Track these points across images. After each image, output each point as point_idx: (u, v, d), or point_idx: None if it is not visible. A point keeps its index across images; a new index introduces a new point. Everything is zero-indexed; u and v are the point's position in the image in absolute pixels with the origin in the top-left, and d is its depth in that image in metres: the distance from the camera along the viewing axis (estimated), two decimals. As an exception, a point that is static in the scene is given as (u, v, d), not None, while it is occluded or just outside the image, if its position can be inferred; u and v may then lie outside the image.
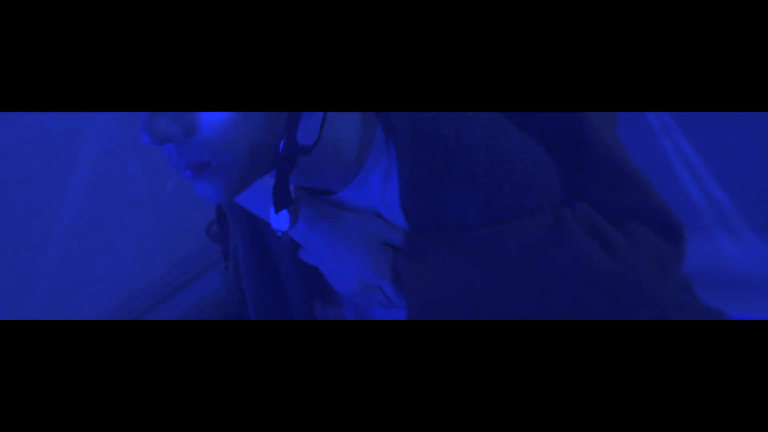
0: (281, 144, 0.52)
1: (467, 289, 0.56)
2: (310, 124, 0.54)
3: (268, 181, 0.58)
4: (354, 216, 0.61)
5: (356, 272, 0.60)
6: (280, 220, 0.60)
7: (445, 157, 0.56)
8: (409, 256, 0.58)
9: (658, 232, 0.57)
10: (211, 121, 0.49)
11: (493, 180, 0.56)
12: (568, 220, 0.56)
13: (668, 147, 4.76)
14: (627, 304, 0.57)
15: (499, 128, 0.58)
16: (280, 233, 0.61)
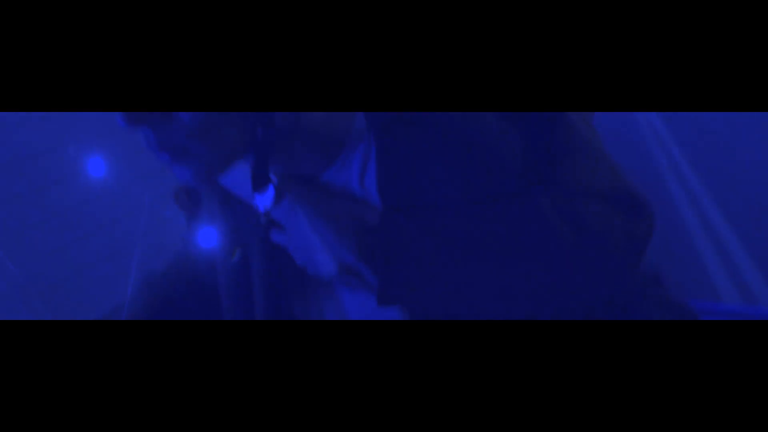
0: (259, 127, 0.52)
1: (440, 270, 0.56)
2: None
3: (249, 162, 0.58)
4: (335, 197, 0.61)
5: (335, 253, 0.60)
6: (262, 199, 0.60)
7: (422, 140, 0.57)
8: (383, 236, 0.57)
9: (626, 212, 0.58)
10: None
11: (469, 163, 0.57)
12: (542, 204, 0.56)
13: (655, 148, 4.80)
14: (595, 283, 0.57)
15: (475, 112, 0.58)
16: (261, 213, 0.61)
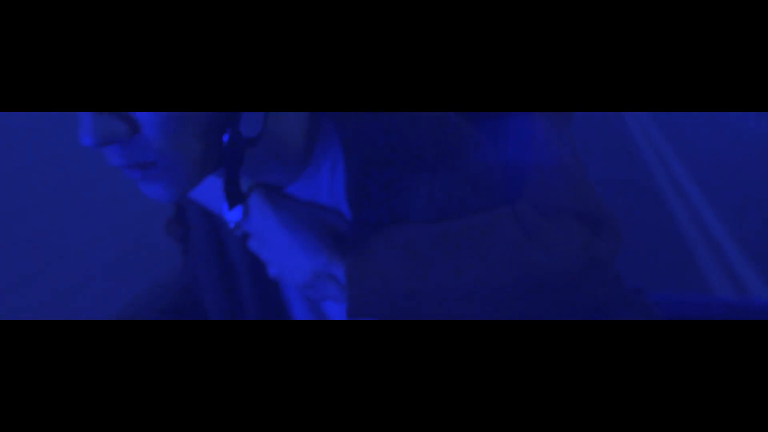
0: (225, 137, 0.52)
1: (408, 285, 0.57)
2: (253, 115, 0.53)
3: (218, 177, 0.58)
4: (304, 206, 0.61)
5: (307, 260, 0.60)
6: (233, 212, 0.60)
7: (391, 153, 0.57)
8: (352, 250, 0.58)
9: (592, 228, 0.59)
10: (154, 120, 0.48)
11: (437, 177, 0.57)
12: (508, 220, 0.57)
13: (646, 149, 4.81)
14: (563, 298, 0.59)
15: (446, 125, 0.59)
16: (232, 225, 0.61)
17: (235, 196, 0.58)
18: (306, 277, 0.60)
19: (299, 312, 0.69)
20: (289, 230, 0.60)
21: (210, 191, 0.64)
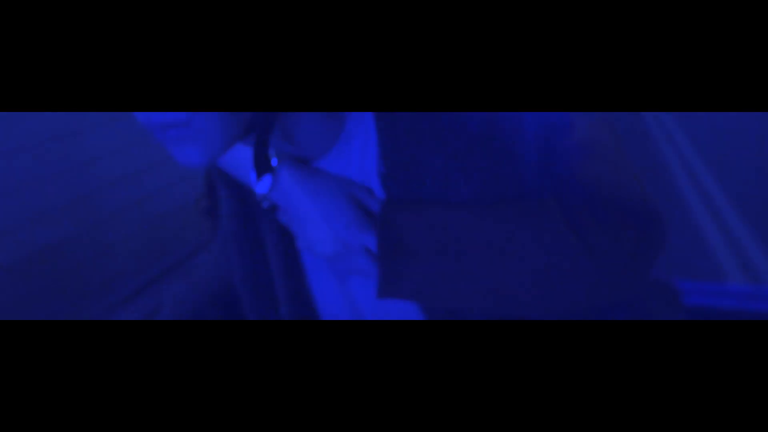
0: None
1: (440, 268, 0.56)
2: None
3: (248, 145, 0.58)
4: (333, 179, 0.61)
5: (337, 231, 0.59)
6: (261, 182, 0.60)
7: (426, 130, 0.56)
8: (384, 226, 0.57)
9: (636, 225, 0.56)
10: None
11: (475, 160, 0.55)
12: (554, 214, 0.55)
13: (666, 147, 4.76)
14: (599, 292, 0.57)
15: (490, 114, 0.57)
16: (260, 196, 0.61)
17: (263, 165, 0.57)
18: (335, 248, 0.60)
19: (326, 287, 0.70)
20: (319, 201, 0.59)
21: (240, 161, 0.64)
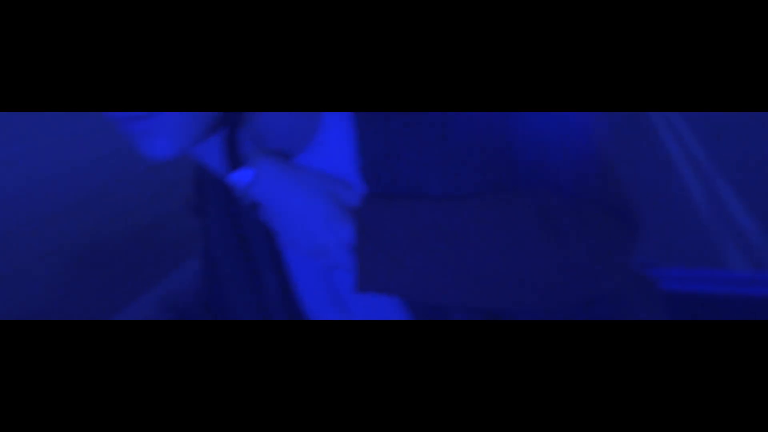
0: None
1: (417, 262, 0.56)
2: None
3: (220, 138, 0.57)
4: (312, 175, 0.60)
5: (316, 227, 0.59)
6: (235, 175, 0.59)
7: (405, 123, 0.55)
8: (361, 221, 0.57)
9: (615, 223, 0.57)
10: None
11: (451, 152, 0.55)
12: (530, 211, 0.55)
13: (672, 145, 4.73)
14: (574, 286, 0.57)
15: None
16: (238, 191, 0.60)
17: (234, 158, 0.57)
18: (316, 245, 0.60)
19: (311, 283, 0.70)
20: (298, 198, 0.59)
21: (216, 157, 0.63)
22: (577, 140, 0.57)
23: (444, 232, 0.55)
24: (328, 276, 0.68)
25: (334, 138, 0.60)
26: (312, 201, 0.59)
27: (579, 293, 0.58)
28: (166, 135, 0.51)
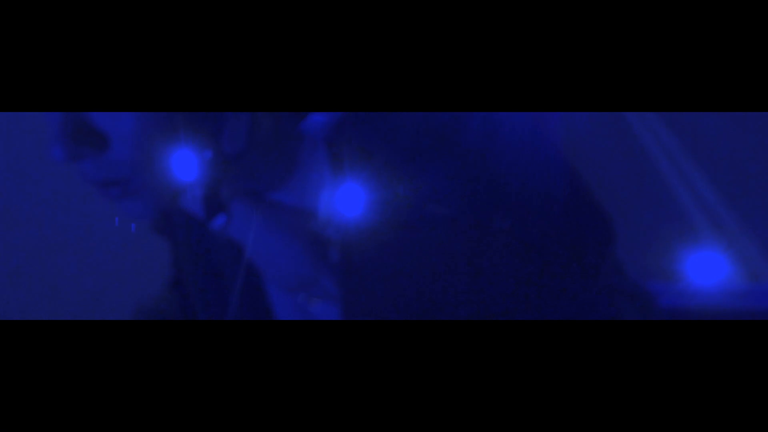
0: (207, 155, 0.51)
1: (402, 284, 0.55)
2: (236, 132, 0.52)
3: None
4: (288, 212, 0.60)
5: (293, 267, 0.59)
6: (213, 221, 0.59)
7: (379, 152, 0.54)
8: (343, 259, 0.56)
9: (581, 225, 0.57)
10: (125, 134, 0.47)
11: (431, 177, 0.54)
12: (504, 237, 0.54)
13: (653, 146, 4.78)
14: (555, 301, 0.56)
15: (437, 119, 0.56)
16: (214, 233, 0.60)
17: (214, 209, 0.57)
18: (292, 283, 0.60)
19: (285, 311, 0.68)
20: (273, 237, 0.59)
21: (192, 198, 0.62)
22: (544, 146, 0.57)
23: (420, 255, 0.54)
24: (304, 308, 0.67)
25: (310, 174, 0.59)
26: (285, 240, 0.59)
27: (565, 305, 0.57)
28: (143, 199, 0.51)
